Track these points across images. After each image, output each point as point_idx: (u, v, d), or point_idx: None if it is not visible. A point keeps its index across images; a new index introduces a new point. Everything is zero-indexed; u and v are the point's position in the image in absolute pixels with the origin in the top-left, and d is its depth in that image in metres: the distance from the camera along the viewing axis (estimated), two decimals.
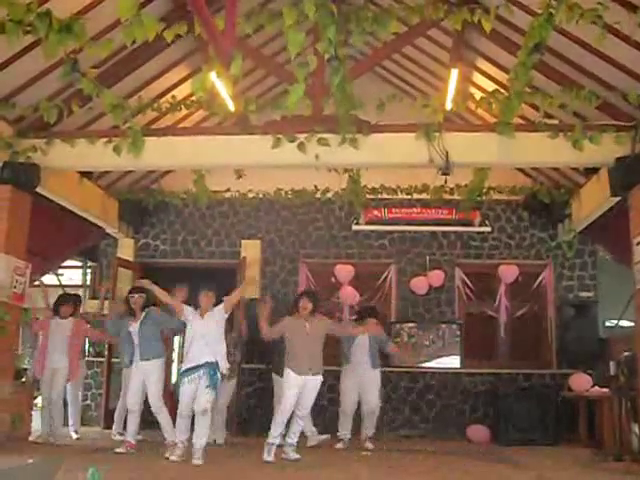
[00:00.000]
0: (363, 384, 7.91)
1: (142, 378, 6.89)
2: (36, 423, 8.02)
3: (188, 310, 6.60)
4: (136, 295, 7.08)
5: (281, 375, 6.99)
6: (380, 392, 8.06)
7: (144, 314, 7.02)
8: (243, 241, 10.41)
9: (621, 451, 6.64)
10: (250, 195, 10.14)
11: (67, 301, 8.01)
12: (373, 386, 7.94)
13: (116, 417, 8.24)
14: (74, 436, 8.13)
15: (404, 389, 9.63)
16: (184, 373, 6.39)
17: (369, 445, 7.76)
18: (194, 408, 6.29)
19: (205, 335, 6.38)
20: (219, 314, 6.55)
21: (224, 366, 6.45)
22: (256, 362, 9.35)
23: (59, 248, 9.28)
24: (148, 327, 6.98)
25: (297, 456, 6.45)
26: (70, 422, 8.25)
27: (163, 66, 8.10)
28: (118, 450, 6.75)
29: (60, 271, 10.72)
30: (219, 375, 6.37)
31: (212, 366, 6.31)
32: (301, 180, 9.72)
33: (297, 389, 6.52)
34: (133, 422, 6.94)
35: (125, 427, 7.23)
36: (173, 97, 8.11)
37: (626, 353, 6.95)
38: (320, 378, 6.58)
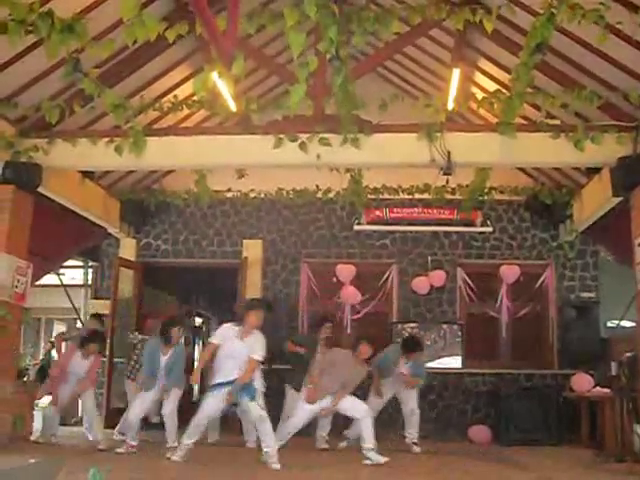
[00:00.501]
0: (399, 395, 7.94)
1: (158, 397, 7.07)
2: (37, 423, 8.01)
3: (222, 330, 6.43)
4: (178, 329, 7.18)
5: (299, 390, 7.19)
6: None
7: (174, 349, 7.12)
8: (245, 241, 10.41)
9: (623, 452, 6.62)
10: (252, 195, 10.14)
11: (95, 341, 7.78)
12: (409, 395, 7.89)
13: (123, 419, 8.22)
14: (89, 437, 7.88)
15: None
16: (212, 387, 6.29)
17: (416, 449, 7.63)
18: (250, 421, 6.34)
19: (237, 358, 6.22)
20: (256, 344, 6.28)
21: (258, 385, 6.44)
22: None
23: (61, 248, 9.29)
24: (174, 361, 7.08)
25: (384, 458, 6.50)
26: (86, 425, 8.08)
27: (165, 66, 8.10)
28: (119, 450, 6.77)
29: (61, 271, 10.73)
30: (255, 387, 6.32)
31: (245, 383, 6.22)
32: (303, 180, 9.72)
33: (312, 413, 6.74)
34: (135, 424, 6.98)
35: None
36: (175, 97, 8.12)
37: (627, 354, 6.94)
38: None
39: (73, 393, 7.65)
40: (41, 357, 14.11)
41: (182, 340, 7.70)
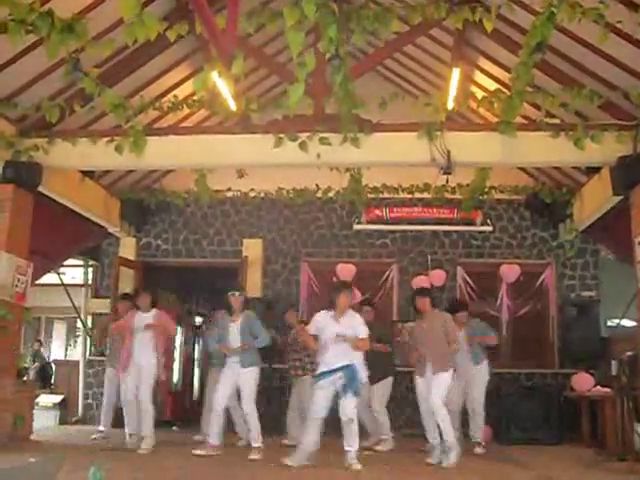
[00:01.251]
0: (467, 382, 7.43)
1: (234, 381, 6.75)
2: (37, 422, 8.00)
3: (318, 318, 6.33)
4: (237, 293, 6.88)
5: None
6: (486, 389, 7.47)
7: (243, 316, 6.86)
8: (245, 240, 10.42)
9: (624, 451, 6.61)
10: (252, 194, 10.14)
11: (143, 292, 7.50)
12: (475, 383, 7.40)
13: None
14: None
15: (406, 388, 9.60)
16: (318, 377, 6.17)
17: (478, 450, 7.31)
18: (340, 417, 6.07)
19: (338, 342, 6.08)
20: (355, 322, 6.23)
21: (363, 374, 6.17)
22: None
23: (61, 247, 9.29)
24: (246, 331, 6.81)
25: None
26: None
27: (165, 65, 8.11)
28: (197, 452, 6.47)
29: (62, 270, 10.73)
30: (359, 380, 6.11)
31: (349, 370, 6.04)
32: (303, 179, 9.71)
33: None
34: (217, 423, 6.66)
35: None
36: (175, 96, 8.13)
37: (628, 353, 6.93)
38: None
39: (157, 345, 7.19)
40: (29, 358, 13.80)
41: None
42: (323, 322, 6.25)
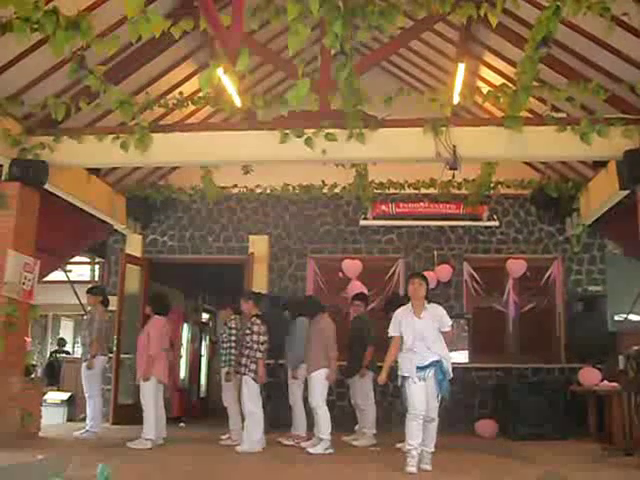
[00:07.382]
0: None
1: None
2: (45, 419, 8.02)
3: (396, 317, 6.03)
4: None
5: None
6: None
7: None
8: (251, 237, 10.43)
9: (630, 446, 6.61)
10: (257, 190, 10.16)
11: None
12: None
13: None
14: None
15: None
16: (408, 376, 5.94)
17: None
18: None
19: (425, 336, 5.86)
20: (437, 316, 5.95)
21: (449, 369, 5.95)
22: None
23: (67, 244, 9.33)
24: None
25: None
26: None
27: (170, 62, 8.11)
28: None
29: (69, 267, 10.77)
30: (447, 379, 5.93)
31: (440, 365, 5.86)
32: (308, 175, 9.72)
33: None
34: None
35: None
36: (180, 93, 8.12)
37: (635, 347, 6.91)
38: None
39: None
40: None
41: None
42: (402, 320, 5.98)
